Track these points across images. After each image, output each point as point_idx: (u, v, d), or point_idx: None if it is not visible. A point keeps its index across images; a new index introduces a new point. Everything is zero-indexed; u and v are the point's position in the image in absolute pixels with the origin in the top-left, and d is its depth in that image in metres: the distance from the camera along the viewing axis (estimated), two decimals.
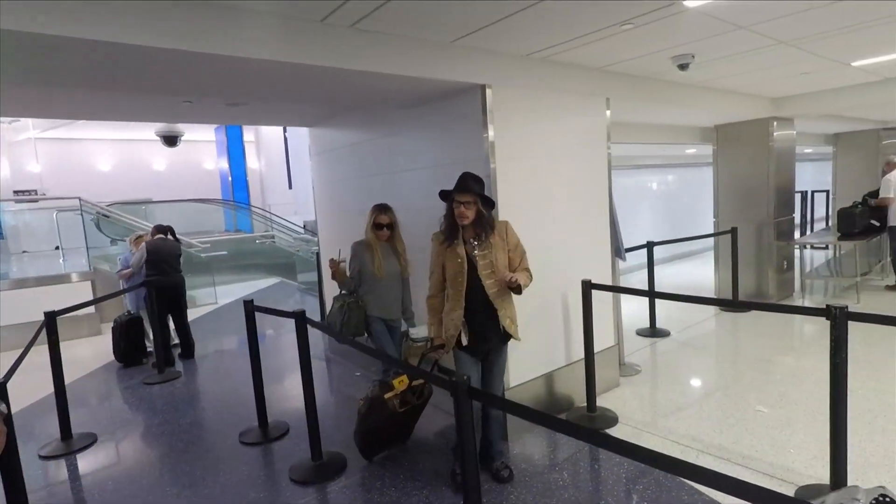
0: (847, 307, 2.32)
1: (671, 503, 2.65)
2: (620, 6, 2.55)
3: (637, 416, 3.68)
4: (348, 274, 3.60)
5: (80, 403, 4.59)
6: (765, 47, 3.52)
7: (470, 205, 2.62)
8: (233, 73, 2.70)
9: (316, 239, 6.42)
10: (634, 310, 5.79)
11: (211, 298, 9.20)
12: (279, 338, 6.63)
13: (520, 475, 3.00)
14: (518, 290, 2.66)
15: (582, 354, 3.62)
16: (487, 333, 2.74)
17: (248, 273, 11.30)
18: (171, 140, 10.34)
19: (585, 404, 3.68)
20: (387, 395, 2.96)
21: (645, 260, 5.54)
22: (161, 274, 5.37)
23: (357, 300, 3.56)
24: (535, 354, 3.58)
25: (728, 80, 4.81)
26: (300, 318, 3.13)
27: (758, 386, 4.06)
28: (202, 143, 16.15)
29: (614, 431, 3.48)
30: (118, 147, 15.13)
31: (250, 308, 3.65)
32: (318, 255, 6.12)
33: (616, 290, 3.76)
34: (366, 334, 3.66)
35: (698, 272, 8.65)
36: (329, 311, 3.71)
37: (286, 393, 4.65)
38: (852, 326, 2.33)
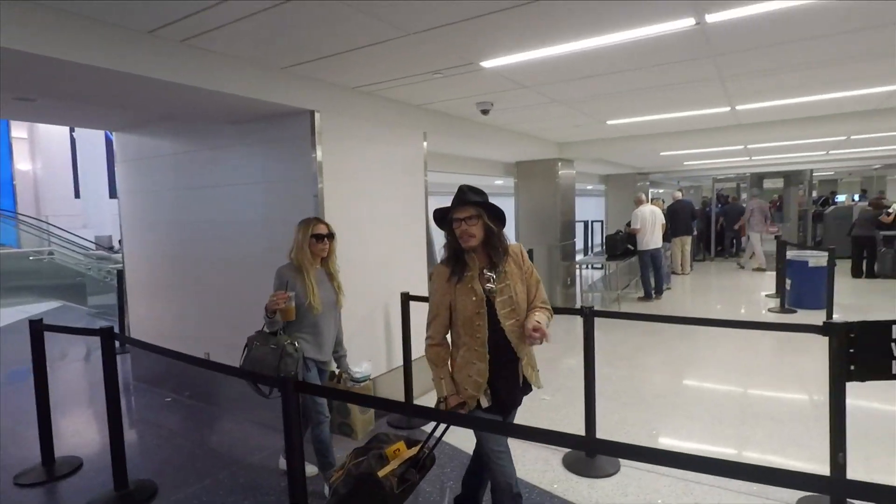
0: (594, 307, 3.07)
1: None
2: (432, 60, 3.03)
3: None
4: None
5: None
6: (544, 104, 4.40)
7: (473, 220, 2.10)
8: (35, 70, 2.49)
9: (113, 256, 5.79)
10: None
11: None
12: (66, 366, 5.76)
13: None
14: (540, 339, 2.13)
15: (402, 361, 3.99)
16: (509, 387, 2.22)
17: (17, 296, 9.46)
18: None
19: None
20: (381, 473, 2.25)
21: None
22: None
23: (293, 342, 2.83)
24: (360, 362, 3.83)
25: (524, 125, 5.77)
26: (107, 336, 2.92)
27: (546, 381, 4.87)
28: None
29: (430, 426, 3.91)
30: None
31: (38, 328, 3.24)
32: (119, 273, 5.54)
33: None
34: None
35: None
36: (246, 353, 2.88)
37: (78, 426, 4.13)
38: (618, 326, 3.05)
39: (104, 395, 2.99)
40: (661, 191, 16.73)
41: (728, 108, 4.99)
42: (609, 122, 5.61)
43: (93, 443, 3.82)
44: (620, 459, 3.29)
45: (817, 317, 6.40)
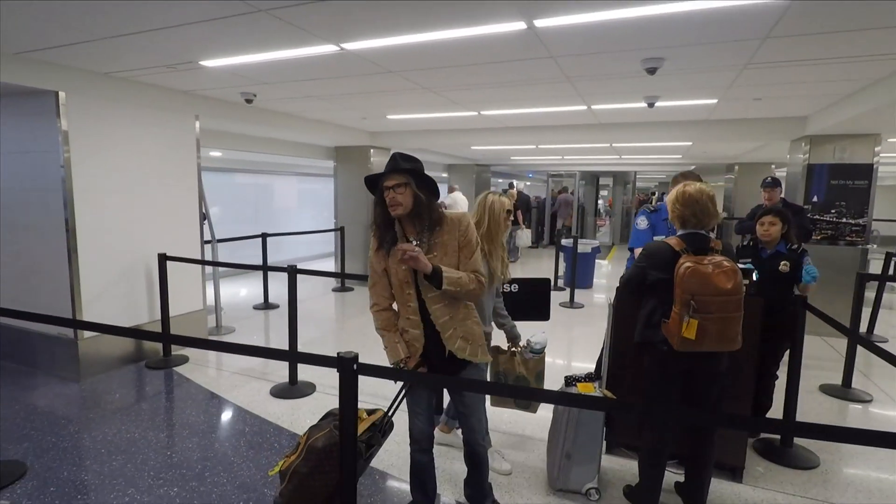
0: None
1: (204, 407, 3.91)
2: (155, 56, 3.65)
3: (208, 357, 4.90)
4: None
5: None
6: (301, 98, 5.16)
7: (401, 188, 2.03)
8: None
9: None
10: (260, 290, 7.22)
11: None
12: None
13: (103, 413, 3.77)
14: (437, 279, 2.02)
15: (160, 314, 4.68)
16: (438, 357, 2.19)
17: None
18: None
19: (162, 352, 4.77)
20: None
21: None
22: None
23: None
24: (122, 310, 4.48)
25: (321, 114, 6.47)
26: None
27: (334, 339, 5.78)
28: None
29: (184, 367, 4.65)
30: None
31: None
32: None
33: (189, 261, 4.79)
34: None
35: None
36: None
37: None
38: None
39: None
40: (499, 181, 18.33)
41: (475, 113, 6.08)
42: (389, 117, 6.53)
43: None
44: (316, 384, 4.25)
45: (586, 295, 7.98)
